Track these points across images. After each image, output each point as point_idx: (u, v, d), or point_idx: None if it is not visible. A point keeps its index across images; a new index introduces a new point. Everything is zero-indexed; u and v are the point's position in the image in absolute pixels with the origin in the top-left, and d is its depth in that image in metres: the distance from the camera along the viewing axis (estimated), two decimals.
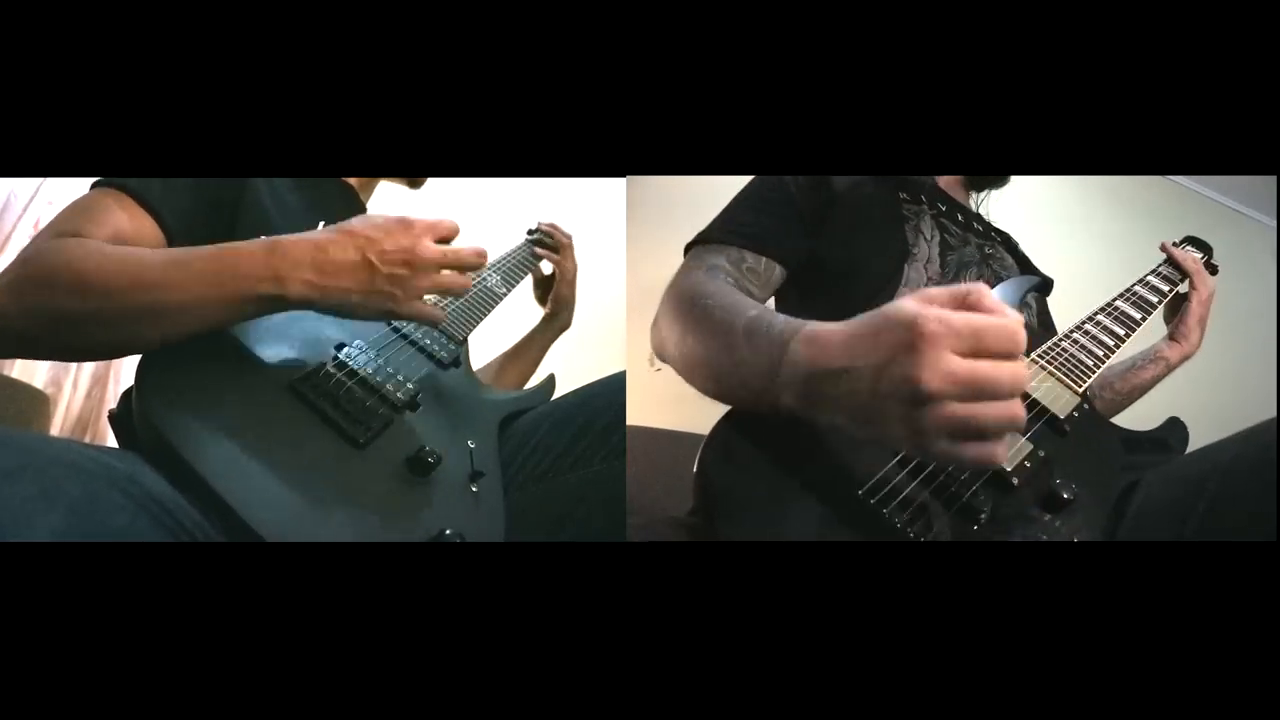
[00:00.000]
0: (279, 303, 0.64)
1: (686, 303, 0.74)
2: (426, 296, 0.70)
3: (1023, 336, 0.48)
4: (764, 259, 0.85)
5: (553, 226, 1.20)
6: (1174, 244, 1.02)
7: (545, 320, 1.20)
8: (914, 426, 0.48)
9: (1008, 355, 0.48)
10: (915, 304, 0.49)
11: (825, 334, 0.55)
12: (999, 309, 0.49)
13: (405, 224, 0.68)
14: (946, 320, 0.47)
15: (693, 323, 0.71)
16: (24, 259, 0.64)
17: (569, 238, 1.21)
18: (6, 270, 0.65)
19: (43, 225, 0.70)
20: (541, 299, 1.22)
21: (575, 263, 1.21)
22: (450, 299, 0.92)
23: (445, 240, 0.70)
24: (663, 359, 0.80)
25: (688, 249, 0.87)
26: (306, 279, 0.63)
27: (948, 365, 0.47)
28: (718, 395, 0.68)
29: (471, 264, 0.71)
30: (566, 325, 1.21)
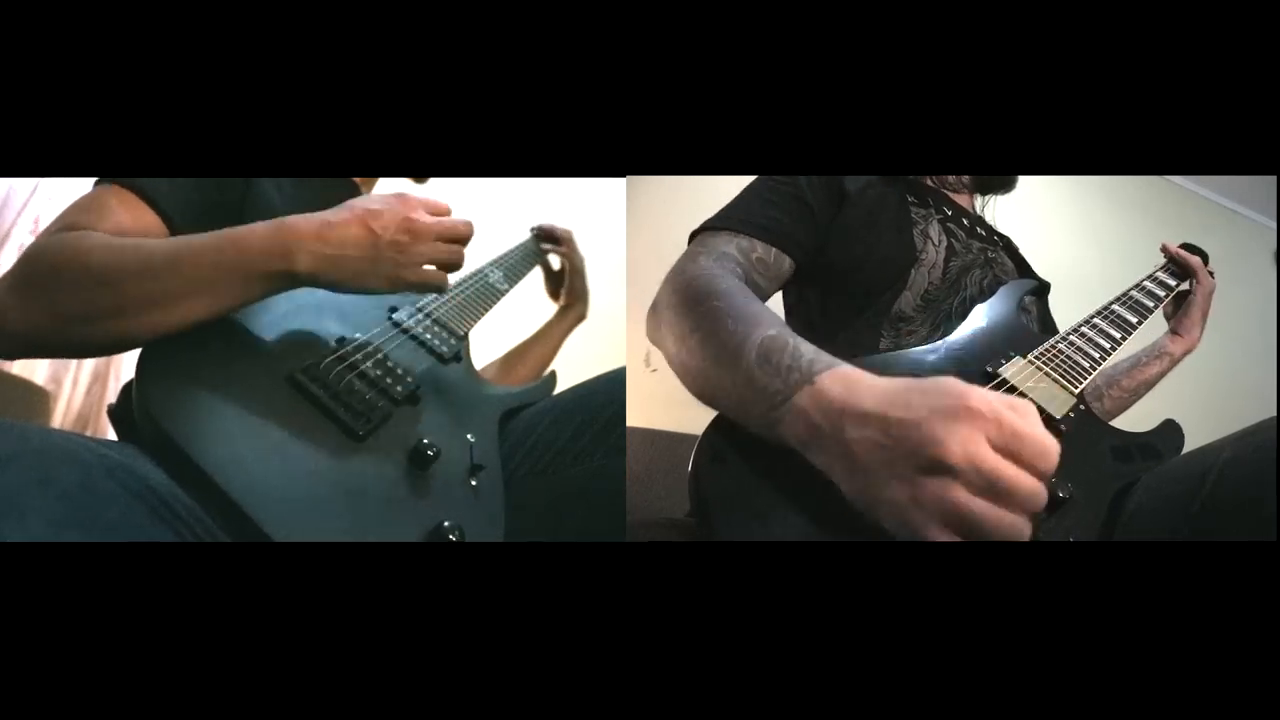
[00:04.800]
0: (287, 279, 0.65)
1: (694, 298, 0.72)
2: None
3: (1055, 462, 0.46)
4: (774, 250, 0.84)
5: (549, 225, 1.23)
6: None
7: (561, 312, 1.22)
8: (914, 493, 0.47)
9: (1037, 471, 0.46)
10: (965, 383, 0.48)
11: (860, 377, 0.54)
12: (1042, 429, 0.47)
13: (401, 197, 0.72)
14: (994, 407, 0.46)
15: (698, 322, 0.68)
16: (27, 257, 0.64)
17: (568, 232, 1.23)
18: (10, 271, 0.65)
19: (43, 223, 0.70)
20: (554, 293, 1.24)
21: (581, 255, 1.24)
22: (452, 296, 0.92)
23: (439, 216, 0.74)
24: (657, 345, 0.79)
25: (693, 236, 0.86)
26: (313, 250, 0.65)
27: (978, 448, 0.45)
28: (709, 401, 0.66)
29: (463, 234, 0.74)
30: (583, 316, 1.23)
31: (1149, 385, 1.04)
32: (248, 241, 0.64)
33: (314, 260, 0.65)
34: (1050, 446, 0.46)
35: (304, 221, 0.66)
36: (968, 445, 0.45)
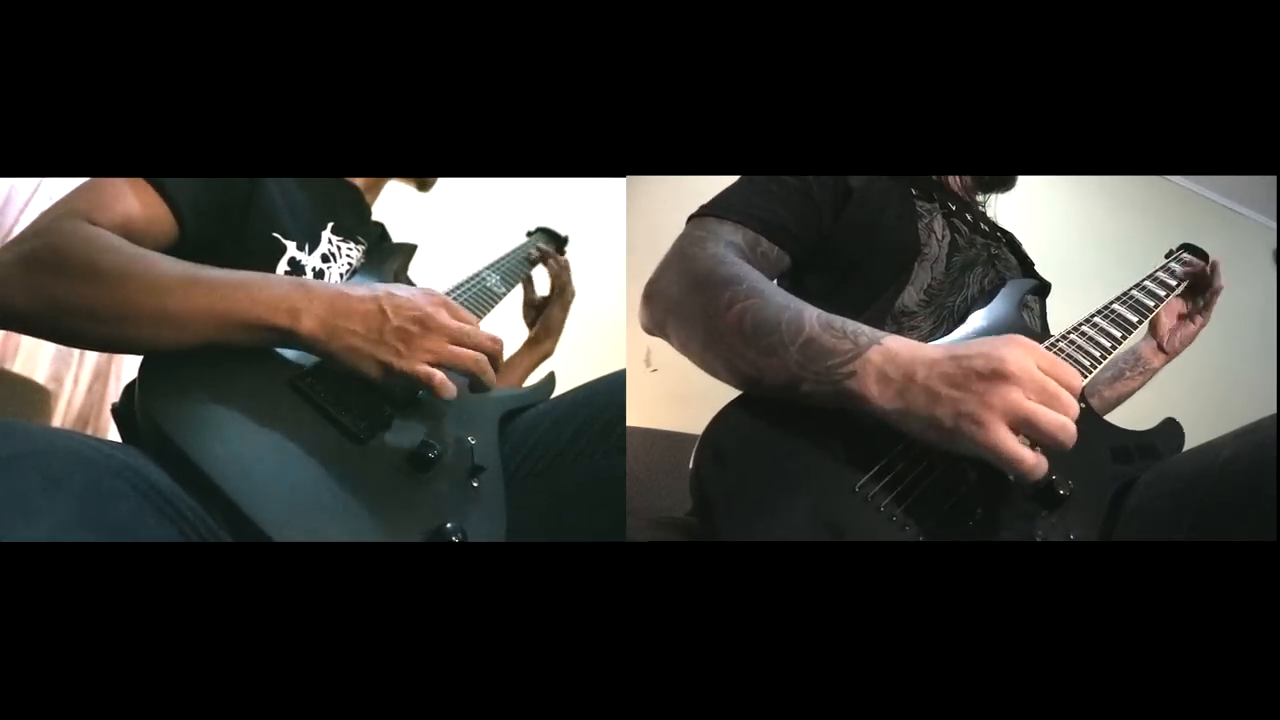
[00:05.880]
0: (288, 337, 0.65)
1: (721, 280, 0.72)
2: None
3: (1079, 385, 0.60)
4: (777, 248, 0.84)
5: (553, 250, 1.19)
6: (1172, 251, 1.04)
7: (528, 344, 1.17)
8: (984, 401, 0.57)
9: (1071, 388, 0.58)
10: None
11: (915, 341, 0.64)
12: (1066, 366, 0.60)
13: (429, 293, 0.71)
14: (1031, 342, 0.60)
15: (733, 301, 0.69)
16: (39, 238, 0.64)
17: (566, 262, 1.19)
18: (18, 243, 0.64)
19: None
20: (530, 321, 1.19)
21: (573, 290, 1.19)
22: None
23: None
24: (659, 332, 0.79)
25: (692, 217, 0.85)
26: (320, 315, 0.65)
27: (1030, 365, 0.57)
28: (740, 373, 0.68)
29: (482, 343, 0.72)
30: (549, 353, 1.17)
31: (1128, 397, 1.06)
32: (264, 290, 0.64)
33: (318, 324, 0.65)
34: (1074, 377, 0.59)
35: (323, 287, 0.67)
36: (1022, 362, 0.57)
